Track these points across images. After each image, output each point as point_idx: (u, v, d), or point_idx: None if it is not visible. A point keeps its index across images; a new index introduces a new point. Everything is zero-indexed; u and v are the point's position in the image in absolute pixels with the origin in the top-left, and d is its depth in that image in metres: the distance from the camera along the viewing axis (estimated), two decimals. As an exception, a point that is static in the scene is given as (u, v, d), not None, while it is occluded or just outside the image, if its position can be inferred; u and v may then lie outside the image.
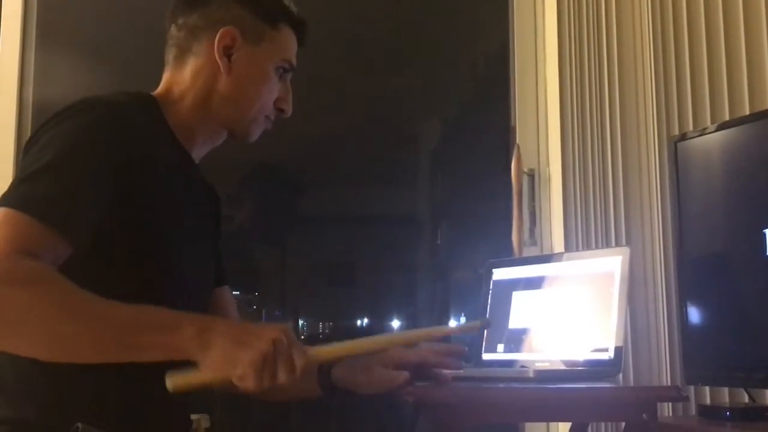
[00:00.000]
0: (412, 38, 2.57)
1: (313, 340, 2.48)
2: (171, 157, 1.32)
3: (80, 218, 1.11)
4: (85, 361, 1.08)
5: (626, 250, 1.45)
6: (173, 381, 1.08)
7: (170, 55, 1.40)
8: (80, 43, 2.48)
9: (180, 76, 1.38)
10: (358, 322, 2.58)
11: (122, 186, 1.17)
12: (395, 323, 2.59)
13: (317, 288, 2.57)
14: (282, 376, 1.08)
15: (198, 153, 1.41)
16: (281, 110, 1.44)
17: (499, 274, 1.68)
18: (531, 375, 1.35)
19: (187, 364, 1.08)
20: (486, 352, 1.61)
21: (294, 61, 1.44)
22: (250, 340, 1.08)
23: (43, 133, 1.17)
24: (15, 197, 1.08)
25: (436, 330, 1.41)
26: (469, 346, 1.55)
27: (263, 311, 2.55)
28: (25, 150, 1.20)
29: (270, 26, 1.40)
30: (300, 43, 1.45)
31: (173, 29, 1.40)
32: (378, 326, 2.57)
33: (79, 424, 1.11)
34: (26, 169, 1.13)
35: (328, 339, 2.47)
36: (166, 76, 1.40)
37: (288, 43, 1.43)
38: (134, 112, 1.24)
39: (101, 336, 1.06)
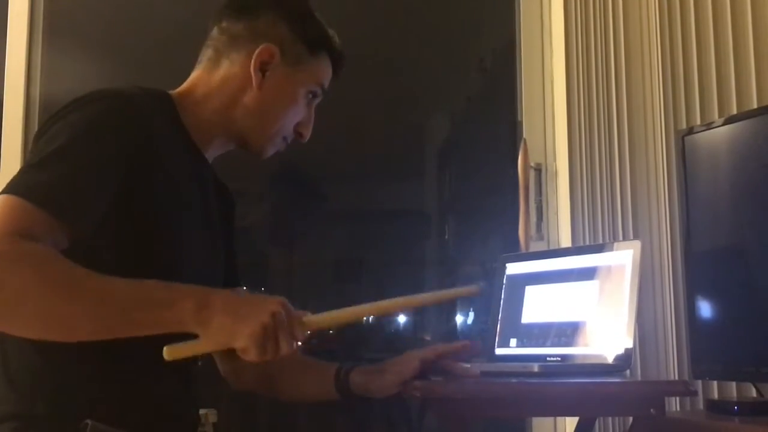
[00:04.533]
0: (419, 33, 2.57)
1: (321, 335, 2.49)
2: (182, 154, 1.31)
3: (80, 207, 1.11)
4: (83, 339, 1.08)
5: (637, 244, 1.45)
6: (170, 350, 1.09)
7: (205, 55, 1.40)
8: (87, 39, 2.48)
9: (209, 78, 1.38)
10: (365, 319, 2.58)
11: (128, 178, 1.16)
12: (401, 318, 2.59)
13: (324, 284, 2.57)
14: (284, 348, 1.10)
15: (211, 154, 1.41)
16: (300, 135, 1.45)
17: (513, 268, 1.68)
18: (539, 370, 1.35)
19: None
20: (499, 346, 1.61)
21: (326, 88, 1.44)
22: (249, 312, 1.09)
23: (52, 123, 1.17)
24: (17, 184, 1.08)
25: (428, 296, 1.41)
26: (482, 341, 1.56)
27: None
28: (34, 141, 1.20)
29: (310, 52, 1.40)
30: (335, 75, 1.45)
31: (215, 31, 1.40)
32: (385, 321, 2.58)
33: (89, 421, 1.11)
34: (32, 158, 1.14)
35: (336, 335, 2.47)
36: (194, 75, 1.40)
37: (324, 71, 1.43)
38: (145, 105, 1.24)
39: (98, 313, 1.07)
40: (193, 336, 1.10)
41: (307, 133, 1.45)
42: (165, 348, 1.09)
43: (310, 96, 1.42)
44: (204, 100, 1.36)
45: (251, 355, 1.09)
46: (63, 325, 1.06)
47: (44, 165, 1.11)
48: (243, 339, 1.08)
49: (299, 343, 1.13)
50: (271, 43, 1.36)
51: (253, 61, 1.35)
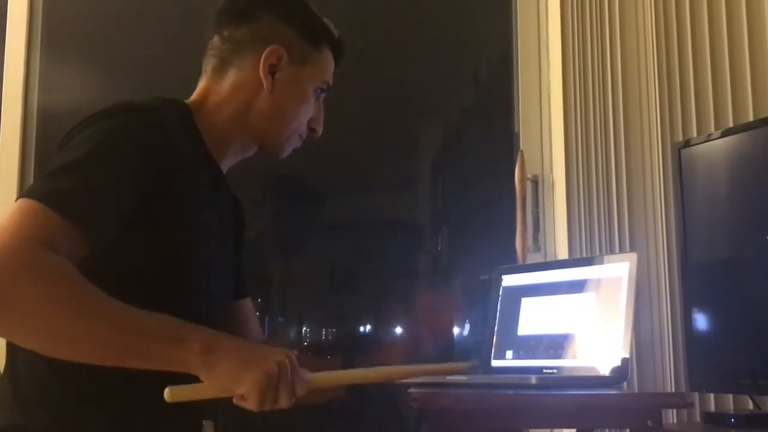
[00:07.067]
0: (415, 44, 2.57)
1: (315, 346, 2.49)
2: (200, 166, 1.32)
3: (100, 217, 1.10)
4: (88, 362, 1.07)
5: (633, 256, 1.45)
6: (172, 392, 1.08)
7: (208, 65, 1.40)
8: (85, 49, 2.48)
9: (217, 87, 1.38)
10: (361, 329, 2.58)
11: (148, 190, 1.16)
12: (398, 329, 2.59)
13: (319, 294, 2.57)
14: (283, 401, 1.10)
15: (227, 164, 1.42)
16: (313, 130, 1.46)
17: (509, 280, 1.69)
18: (535, 381, 1.35)
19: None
20: (495, 358, 1.61)
21: (331, 83, 1.45)
22: (256, 359, 1.09)
23: (76, 133, 1.17)
24: (38, 190, 1.07)
25: (428, 368, 1.41)
26: (477, 354, 1.56)
27: (266, 318, 2.55)
28: (57, 150, 1.19)
29: (314, 48, 1.42)
30: (336, 65, 1.47)
31: (216, 40, 1.40)
32: (380, 332, 2.57)
33: None
34: (53, 165, 1.13)
35: (331, 345, 2.47)
36: (201, 85, 1.40)
37: (329, 65, 1.45)
38: (167, 118, 1.24)
39: (108, 339, 1.05)
40: (196, 379, 1.09)
41: (320, 128, 1.47)
42: (167, 389, 1.08)
43: (319, 91, 1.44)
44: (217, 109, 1.37)
45: (250, 402, 1.08)
46: (72, 346, 1.05)
47: (65, 173, 1.10)
48: (246, 385, 1.07)
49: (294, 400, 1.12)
50: (277, 44, 1.37)
51: (261, 65, 1.36)
